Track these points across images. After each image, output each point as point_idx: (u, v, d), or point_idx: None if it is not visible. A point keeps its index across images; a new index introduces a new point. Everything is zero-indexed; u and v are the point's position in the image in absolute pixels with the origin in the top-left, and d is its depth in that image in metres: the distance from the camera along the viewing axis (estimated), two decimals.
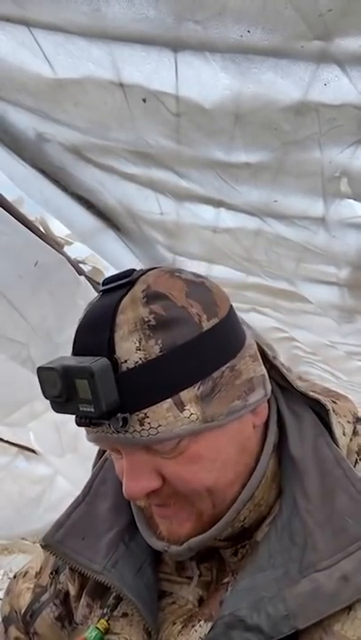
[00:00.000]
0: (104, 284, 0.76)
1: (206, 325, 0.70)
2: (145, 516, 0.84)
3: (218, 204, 1.66)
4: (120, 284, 0.73)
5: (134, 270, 0.75)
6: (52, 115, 1.36)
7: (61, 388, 0.67)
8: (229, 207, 1.66)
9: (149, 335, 0.67)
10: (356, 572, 0.67)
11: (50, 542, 0.85)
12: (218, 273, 2.16)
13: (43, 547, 0.86)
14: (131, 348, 0.67)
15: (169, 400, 0.68)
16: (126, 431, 0.68)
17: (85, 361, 0.67)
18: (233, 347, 0.74)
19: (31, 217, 2.05)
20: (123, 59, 1.09)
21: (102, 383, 0.65)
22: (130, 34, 1.01)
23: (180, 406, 0.68)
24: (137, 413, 0.67)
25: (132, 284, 0.72)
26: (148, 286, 0.71)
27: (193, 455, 0.71)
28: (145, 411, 0.67)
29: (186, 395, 0.68)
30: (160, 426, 0.67)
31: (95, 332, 0.70)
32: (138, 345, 0.67)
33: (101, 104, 1.23)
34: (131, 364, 0.67)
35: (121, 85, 1.15)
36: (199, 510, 0.75)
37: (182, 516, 0.76)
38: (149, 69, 1.09)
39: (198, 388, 0.69)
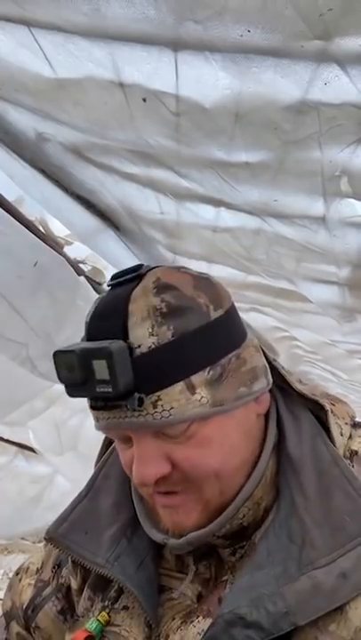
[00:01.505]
0: (113, 278, 0.78)
1: (213, 315, 0.74)
2: (147, 508, 0.85)
3: (218, 203, 1.66)
4: (129, 278, 0.76)
5: (142, 265, 0.78)
6: (51, 114, 1.36)
7: (79, 370, 0.69)
8: (229, 207, 1.66)
9: (161, 322, 0.70)
10: (354, 569, 0.68)
11: (53, 536, 0.87)
12: (218, 272, 2.16)
13: (46, 540, 0.88)
14: (144, 334, 0.70)
15: (181, 383, 0.70)
16: (140, 414, 0.70)
17: (102, 343, 0.69)
18: (238, 337, 0.78)
19: (31, 217, 2.05)
20: (123, 58, 1.09)
21: (120, 363, 0.68)
22: (130, 33, 1.01)
23: (192, 389, 0.71)
24: (150, 396, 0.69)
25: (141, 277, 0.75)
26: (157, 278, 0.74)
27: (202, 439, 0.73)
28: (158, 393, 0.69)
29: (197, 379, 0.71)
30: (172, 408, 0.70)
31: (108, 320, 0.72)
32: (151, 330, 0.70)
33: (101, 104, 1.23)
34: (144, 349, 0.69)
35: (121, 85, 1.15)
36: (207, 498, 0.76)
37: (189, 505, 0.76)
38: (149, 69, 1.09)
39: (208, 372, 0.72)
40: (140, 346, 0.70)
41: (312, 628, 0.68)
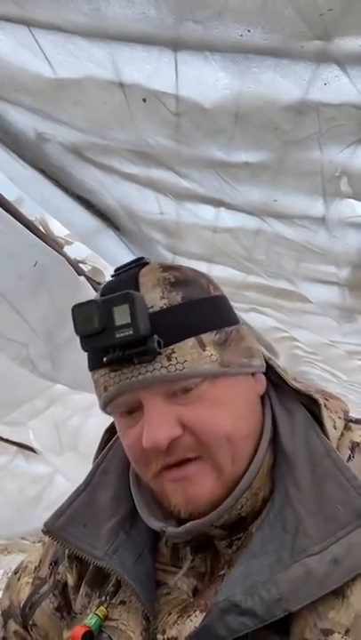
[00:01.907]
0: (116, 271, 0.84)
1: (213, 292, 0.83)
2: (147, 498, 0.87)
3: (218, 203, 1.66)
4: (133, 266, 0.82)
5: (143, 257, 0.84)
6: (51, 114, 1.36)
7: (98, 318, 0.74)
8: (229, 207, 1.66)
9: (170, 289, 0.78)
10: (346, 555, 0.70)
11: (51, 528, 0.88)
12: (218, 272, 2.16)
13: (44, 532, 0.89)
14: (156, 297, 0.77)
15: (192, 339, 0.76)
16: (154, 368, 0.74)
17: (122, 292, 0.75)
18: (234, 317, 0.85)
19: (31, 217, 2.04)
20: (123, 58, 1.09)
21: (140, 308, 0.73)
22: (130, 33, 1.01)
23: (202, 346, 0.77)
24: (165, 349, 0.74)
25: (144, 264, 0.82)
26: (161, 263, 0.82)
27: (212, 400, 0.77)
28: (172, 347, 0.75)
29: (206, 337, 0.77)
30: (186, 361, 0.75)
31: (120, 290, 0.77)
32: (162, 295, 0.77)
33: (101, 104, 1.23)
34: (157, 308, 0.76)
35: (121, 85, 1.15)
36: (220, 465, 0.78)
37: (203, 472, 0.78)
38: (149, 69, 1.09)
39: (215, 334, 0.79)
40: (152, 306, 0.75)
41: (312, 614, 0.69)
